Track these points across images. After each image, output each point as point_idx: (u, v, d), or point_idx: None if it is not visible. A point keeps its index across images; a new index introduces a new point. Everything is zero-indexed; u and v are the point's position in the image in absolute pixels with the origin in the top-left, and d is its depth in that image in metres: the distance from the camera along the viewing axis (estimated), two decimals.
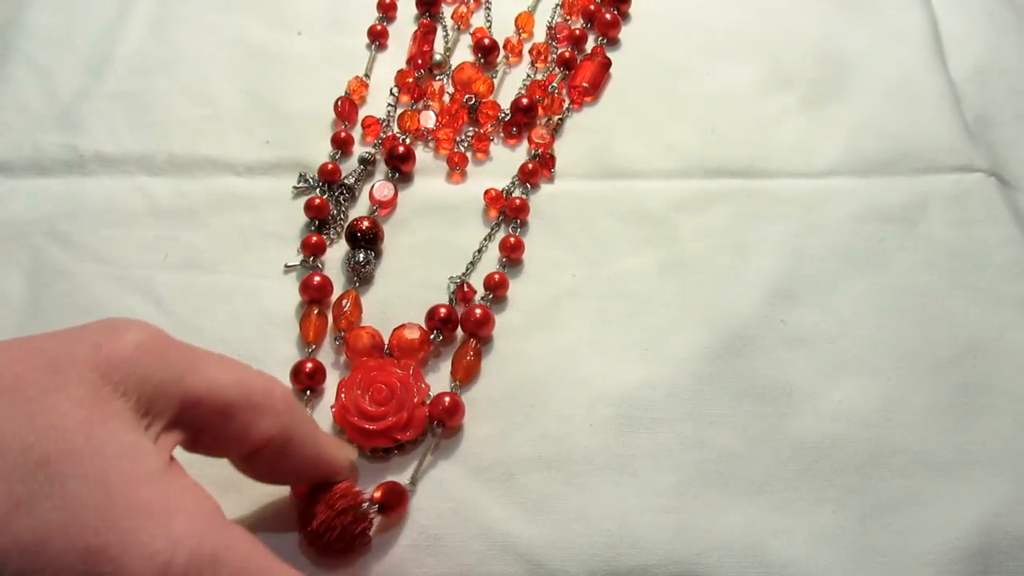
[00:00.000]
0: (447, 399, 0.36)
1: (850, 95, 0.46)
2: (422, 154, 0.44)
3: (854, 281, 0.40)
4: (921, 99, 0.46)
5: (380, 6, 0.49)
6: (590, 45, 0.49)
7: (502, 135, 0.45)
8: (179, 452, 0.31)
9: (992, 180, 0.43)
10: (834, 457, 0.36)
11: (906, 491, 0.35)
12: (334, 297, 0.39)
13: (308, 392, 0.37)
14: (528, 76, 0.47)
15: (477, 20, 0.49)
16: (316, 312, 0.39)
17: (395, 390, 0.36)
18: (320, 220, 0.42)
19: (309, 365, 0.37)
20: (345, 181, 0.43)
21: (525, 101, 0.45)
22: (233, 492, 0.35)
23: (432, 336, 0.38)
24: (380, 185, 0.42)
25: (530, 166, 0.43)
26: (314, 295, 0.39)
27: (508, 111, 0.45)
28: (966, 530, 0.34)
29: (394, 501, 0.34)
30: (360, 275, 0.40)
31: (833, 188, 0.43)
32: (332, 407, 0.36)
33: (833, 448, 0.36)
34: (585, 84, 0.46)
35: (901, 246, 0.41)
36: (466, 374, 0.37)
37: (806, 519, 0.35)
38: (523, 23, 0.48)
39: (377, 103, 0.46)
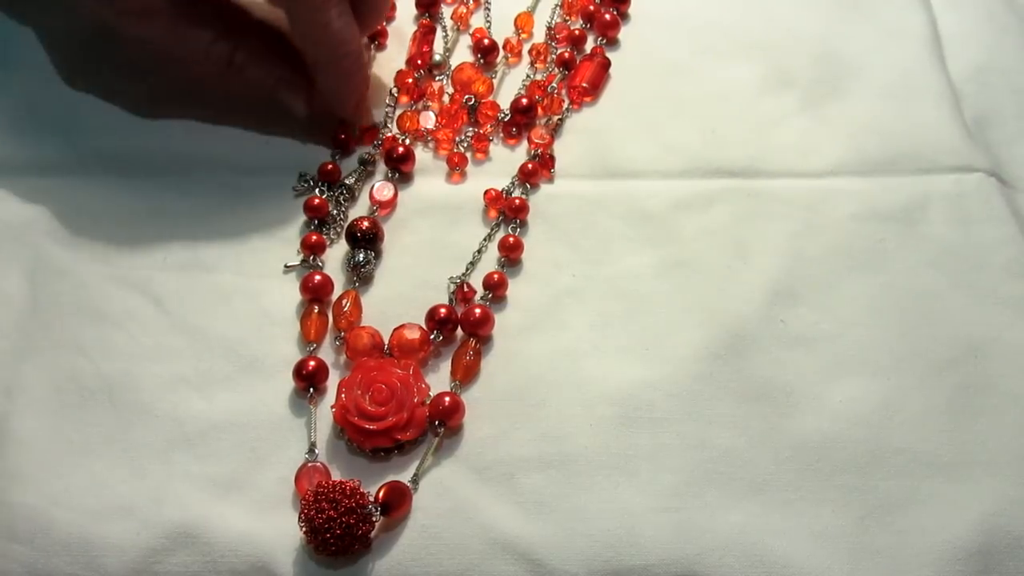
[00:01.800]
0: (447, 399, 0.36)
1: (850, 95, 0.46)
2: (422, 154, 0.44)
3: (854, 281, 0.40)
4: (921, 99, 0.46)
5: None
6: (589, 45, 0.49)
7: (502, 135, 0.45)
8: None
9: (992, 180, 0.43)
10: (834, 457, 0.36)
11: (906, 491, 0.35)
12: (334, 297, 0.39)
13: (311, 390, 0.37)
14: (528, 76, 0.47)
15: (477, 20, 0.49)
16: (316, 311, 0.39)
17: (395, 390, 0.36)
18: (319, 219, 0.42)
19: (312, 363, 0.37)
20: (345, 181, 0.43)
21: (525, 101, 0.45)
22: (234, 491, 0.35)
23: (432, 336, 0.38)
24: (380, 185, 0.42)
25: (530, 166, 0.43)
26: (314, 294, 0.39)
27: (508, 111, 0.45)
28: (966, 530, 0.34)
29: (397, 501, 0.34)
30: (360, 275, 0.40)
31: (833, 188, 0.43)
32: (332, 407, 0.36)
33: (833, 448, 0.36)
34: (585, 84, 0.46)
35: (901, 246, 0.41)
36: (466, 374, 0.37)
37: (806, 519, 0.35)
38: (522, 23, 0.48)
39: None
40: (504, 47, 0.48)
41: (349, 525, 0.32)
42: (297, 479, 0.35)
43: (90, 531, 0.34)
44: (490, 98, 0.46)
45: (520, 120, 0.45)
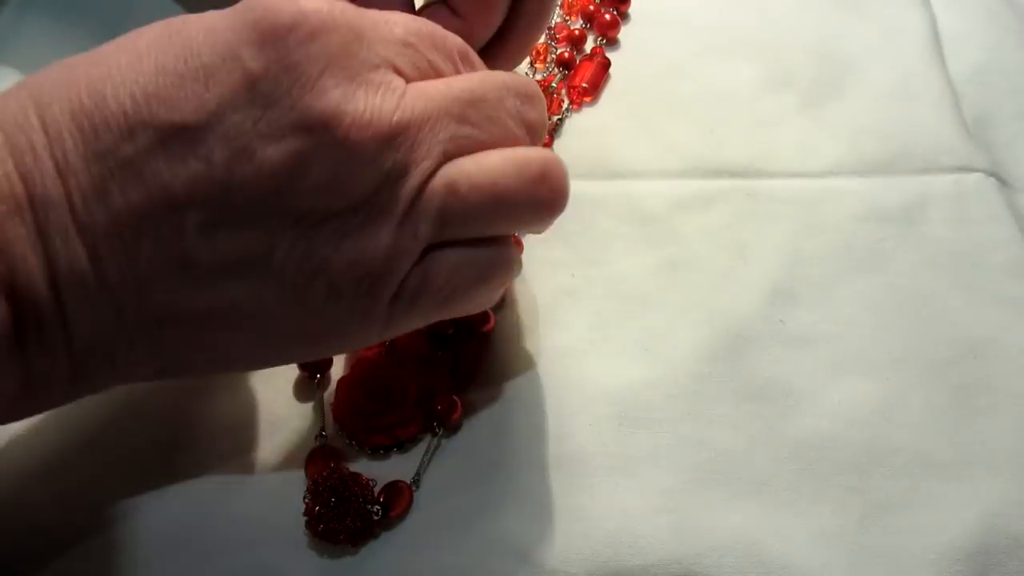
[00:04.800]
0: (447, 398, 0.36)
1: (850, 95, 0.46)
2: None
3: (854, 281, 0.40)
4: (921, 99, 0.46)
5: None
6: (589, 45, 0.49)
7: None
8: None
9: (992, 180, 0.43)
10: (834, 457, 0.36)
11: (906, 491, 0.35)
12: None
13: (318, 377, 0.37)
14: (527, 76, 0.47)
15: None
16: None
17: (394, 388, 0.36)
18: None
19: None
20: None
21: None
22: (234, 491, 0.35)
23: (437, 349, 0.38)
24: None
25: None
26: None
27: None
28: (966, 530, 0.34)
29: (397, 500, 0.34)
30: None
31: (833, 188, 0.43)
32: (331, 404, 0.36)
33: (833, 448, 0.36)
34: (585, 84, 0.46)
35: (901, 246, 0.41)
36: (466, 374, 0.37)
37: (806, 519, 0.35)
38: None
39: None
40: None
41: (351, 514, 0.33)
42: (309, 460, 0.35)
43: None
44: None
45: None
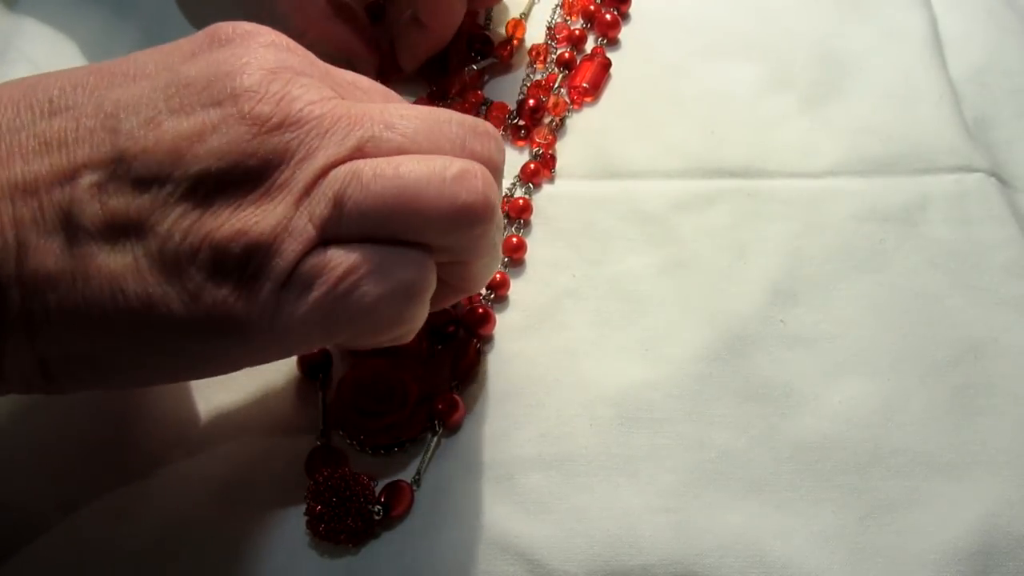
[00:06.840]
0: (447, 398, 0.36)
1: (850, 95, 0.46)
2: None
3: (854, 281, 0.40)
4: (921, 99, 0.46)
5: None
6: (590, 45, 0.49)
7: (510, 136, 0.45)
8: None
9: (992, 180, 0.43)
10: (834, 457, 0.36)
11: (906, 491, 0.35)
12: None
13: (319, 377, 0.37)
14: (528, 77, 0.47)
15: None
16: None
17: (395, 388, 0.36)
18: None
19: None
20: None
21: (532, 103, 0.45)
22: (234, 492, 0.35)
23: (439, 345, 0.38)
24: None
25: (532, 166, 0.43)
26: None
27: (515, 113, 0.45)
28: (966, 530, 0.34)
29: (397, 500, 0.34)
30: None
31: (833, 188, 0.43)
32: (331, 404, 0.36)
33: (833, 448, 0.36)
34: (585, 84, 0.46)
35: (901, 246, 0.41)
36: (466, 374, 0.37)
37: (806, 519, 0.35)
38: (512, 28, 0.48)
39: None
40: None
41: (352, 514, 0.33)
42: (309, 460, 0.35)
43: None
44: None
45: (528, 122, 0.45)
